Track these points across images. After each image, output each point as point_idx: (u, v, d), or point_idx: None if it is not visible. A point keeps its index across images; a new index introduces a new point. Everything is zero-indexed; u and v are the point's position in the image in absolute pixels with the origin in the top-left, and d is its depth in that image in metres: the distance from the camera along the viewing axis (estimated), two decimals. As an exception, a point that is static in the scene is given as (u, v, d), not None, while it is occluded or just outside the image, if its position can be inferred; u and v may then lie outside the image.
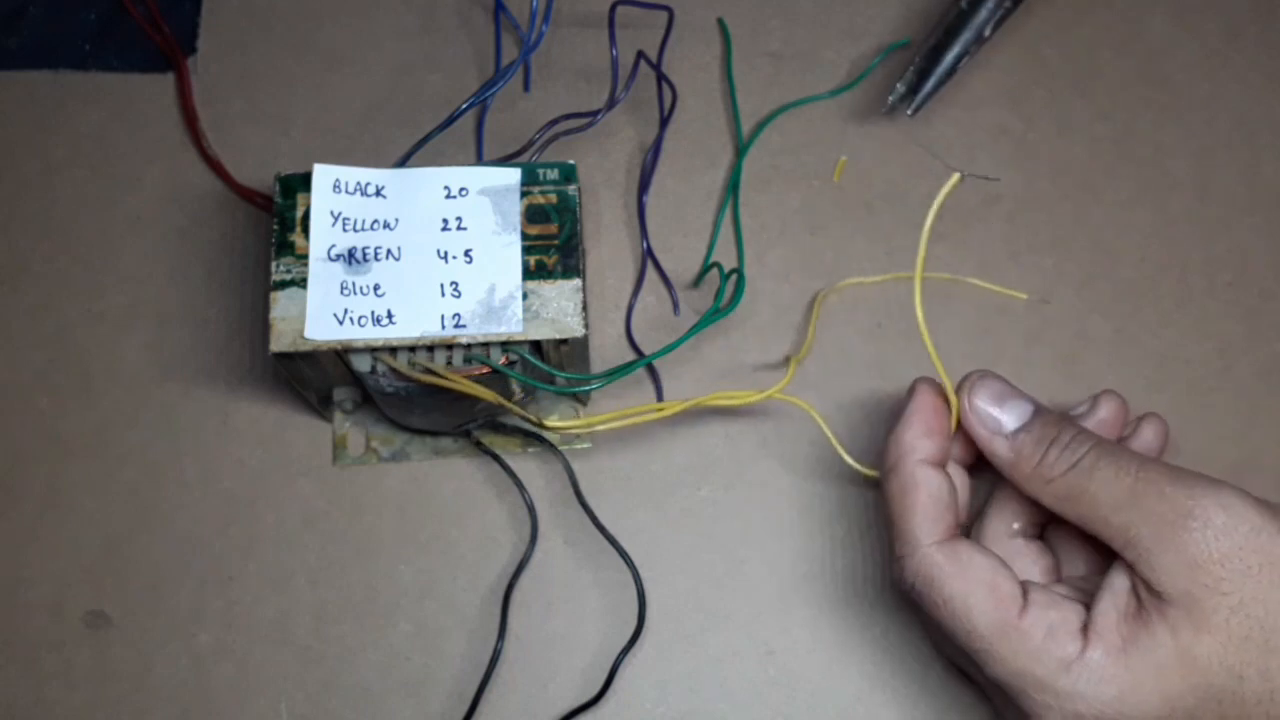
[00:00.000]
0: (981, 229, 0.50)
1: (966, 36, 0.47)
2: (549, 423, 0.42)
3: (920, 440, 0.40)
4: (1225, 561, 0.35)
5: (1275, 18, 0.54)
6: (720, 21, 0.53)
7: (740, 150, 0.51)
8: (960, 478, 0.43)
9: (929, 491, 0.40)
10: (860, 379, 0.48)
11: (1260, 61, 0.53)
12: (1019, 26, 0.52)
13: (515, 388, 0.44)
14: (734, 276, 0.46)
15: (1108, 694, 0.36)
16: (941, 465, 0.41)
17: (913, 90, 0.48)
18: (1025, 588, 0.38)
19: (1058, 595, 0.38)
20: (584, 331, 0.42)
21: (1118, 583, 0.37)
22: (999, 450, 0.40)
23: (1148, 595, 0.36)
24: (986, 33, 0.47)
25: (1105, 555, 0.39)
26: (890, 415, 0.45)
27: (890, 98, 0.48)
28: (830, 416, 0.46)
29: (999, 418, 0.40)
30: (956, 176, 0.38)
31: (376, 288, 0.42)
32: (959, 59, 0.47)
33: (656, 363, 0.48)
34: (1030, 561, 0.42)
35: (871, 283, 0.49)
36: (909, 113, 0.47)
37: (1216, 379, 0.48)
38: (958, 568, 0.38)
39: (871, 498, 0.47)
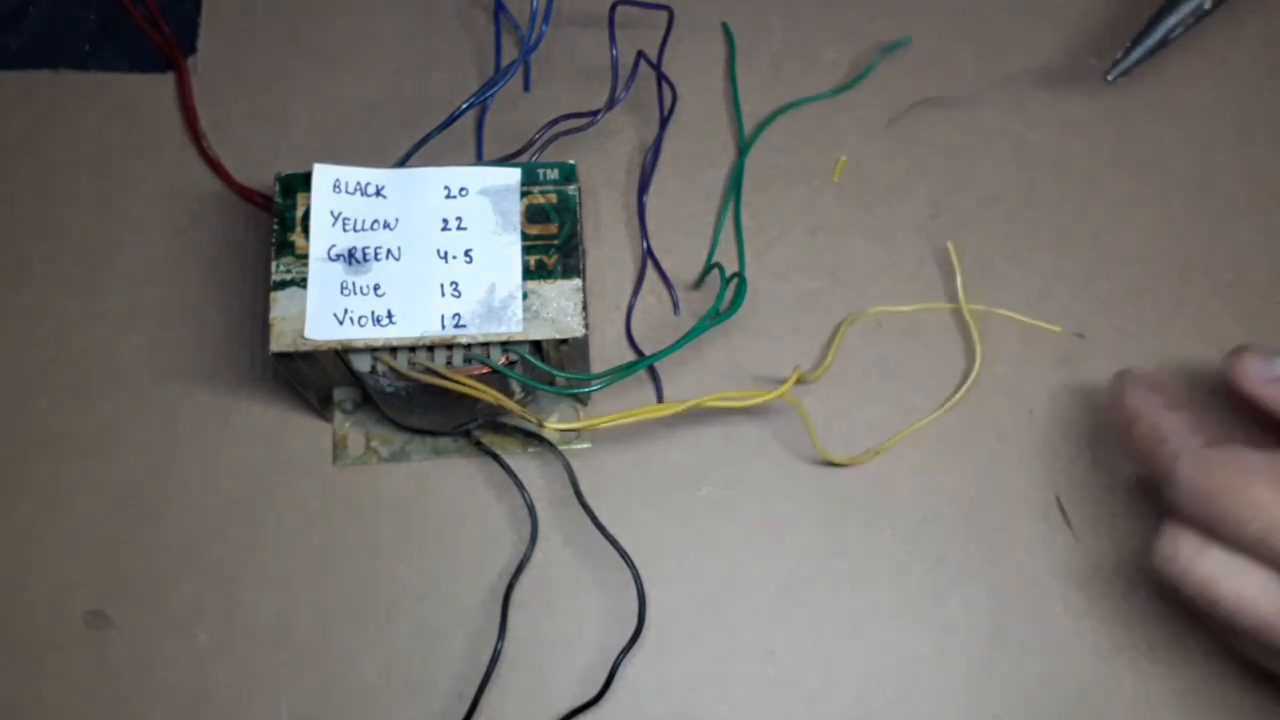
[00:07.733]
0: (982, 229, 0.50)
1: (1186, 8, 0.46)
2: (549, 424, 0.42)
3: (1149, 394, 0.42)
4: None
5: (1275, 16, 0.54)
6: (725, 26, 0.53)
7: (742, 150, 0.51)
8: None
9: (1184, 416, 0.40)
10: (864, 396, 0.48)
11: (1260, 60, 0.53)
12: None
13: (515, 388, 0.44)
14: (735, 280, 0.46)
15: None
16: None
17: (1119, 58, 0.47)
18: None
19: None
20: (584, 331, 0.42)
21: None
22: None
23: None
24: (1207, 5, 0.47)
25: None
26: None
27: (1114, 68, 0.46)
28: (828, 421, 0.46)
29: (1273, 367, 0.41)
30: None
31: (376, 288, 0.42)
32: (1171, 31, 0.46)
33: (657, 363, 0.48)
34: None
35: (902, 312, 0.49)
36: (1108, 78, 0.46)
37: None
38: (1232, 454, 0.38)
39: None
